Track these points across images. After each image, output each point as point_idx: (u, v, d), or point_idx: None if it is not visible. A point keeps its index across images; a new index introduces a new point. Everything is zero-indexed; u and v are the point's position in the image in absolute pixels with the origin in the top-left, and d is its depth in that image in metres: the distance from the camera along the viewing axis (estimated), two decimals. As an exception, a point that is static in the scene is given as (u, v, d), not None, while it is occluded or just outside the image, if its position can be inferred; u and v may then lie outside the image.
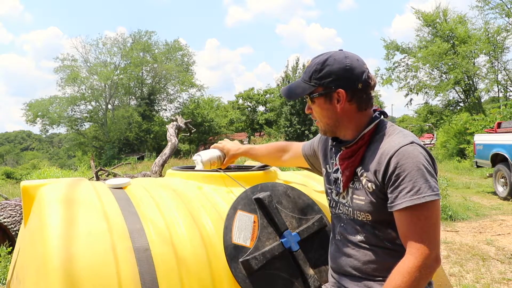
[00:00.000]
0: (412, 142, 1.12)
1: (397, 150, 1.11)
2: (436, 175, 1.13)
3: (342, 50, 1.23)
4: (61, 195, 1.24)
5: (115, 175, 7.77)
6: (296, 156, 1.62)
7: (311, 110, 1.28)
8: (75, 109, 34.65)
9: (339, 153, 1.28)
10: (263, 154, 1.71)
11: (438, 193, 1.08)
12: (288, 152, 1.66)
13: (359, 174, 1.21)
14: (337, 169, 1.29)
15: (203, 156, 1.69)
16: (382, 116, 1.26)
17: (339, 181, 1.27)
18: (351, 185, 1.23)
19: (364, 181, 1.19)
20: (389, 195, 1.12)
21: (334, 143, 1.31)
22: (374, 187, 1.16)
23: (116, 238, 1.13)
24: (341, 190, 1.27)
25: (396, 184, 1.10)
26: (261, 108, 36.85)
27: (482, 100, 21.26)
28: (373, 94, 1.26)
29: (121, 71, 34.47)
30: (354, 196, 1.21)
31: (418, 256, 1.05)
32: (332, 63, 1.18)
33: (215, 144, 1.79)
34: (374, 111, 1.26)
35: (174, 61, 36.44)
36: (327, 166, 1.38)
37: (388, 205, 1.12)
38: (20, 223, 3.88)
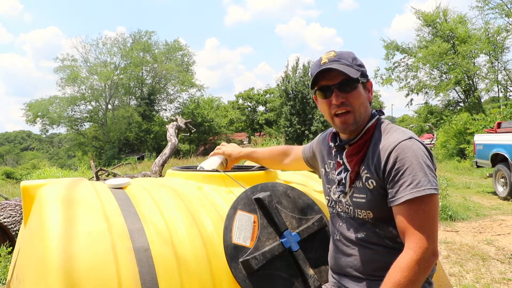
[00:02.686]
0: (410, 138, 1.14)
1: (396, 145, 1.12)
2: (435, 171, 1.13)
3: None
4: (61, 195, 1.24)
5: (115, 175, 7.77)
6: (297, 160, 1.63)
7: (344, 99, 1.20)
8: (75, 109, 34.73)
9: (345, 151, 1.27)
10: (265, 158, 1.72)
11: (437, 187, 1.09)
12: (290, 156, 1.66)
13: (360, 172, 1.21)
14: (341, 171, 1.28)
15: (205, 167, 1.69)
16: (379, 114, 1.29)
17: (344, 181, 1.26)
18: (352, 184, 1.24)
19: (364, 178, 1.19)
20: (389, 190, 1.13)
21: (336, 143, 1.31)
22: (374, 184, 1.16)
23: (116, 238, 1.13)
24: (346, 190, 1.25)
25: (396, 178, 1.10)
26: (261, 108, 36.86)
27: (482, 100, 21.25)
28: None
29: (121, 71, 34.50)
30: (355, 194, 1.22)
31: (416, 250, 1.05)
32: (356, 57, 1.25)
33: (214, 151, 1.79)
34: None
35: (174, 61, 36.48)
36: (325, 166, 1.38)
37: (389, 200, 1.13)
38: (20, 223, 3.88)
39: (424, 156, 1.11)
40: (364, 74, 1.23)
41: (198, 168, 1.72)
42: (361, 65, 1.24)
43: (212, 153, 1.80)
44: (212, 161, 1.73)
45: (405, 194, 1.08)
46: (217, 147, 1.81)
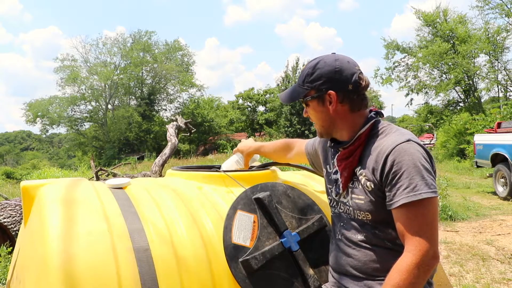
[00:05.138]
0: (408, 140, 1.13)
1: (394, 148, 1.12)
2: (434, 173, 1.13)
3: (334, 53, 1.26)
4: (61, 195, 1.25)
5: (115, 175, 7.77)
6: (299, 154, 1.65)
7: (307, 113, 1.32)
8: (75, 109, 34.71)
9: (337, 154, 1.29)
10: (271, 152, 1.76)
11: (435, 190, 1.08)
12: (293, 150, 1.68)
13: (357, 174, 1.21)
14: (337, 170, 1.30)
15: (223, 168, 1.73)
16: (378, 116, 1.27)
17: (339, 182, 1.28)
18: (350, 185, 1.24)
19: (363, 180, 1.19)
20: (387, 193, 1.13)
21: (332, 144, 1.33)
22: (372, 186, 1.16)
23: (116, 238, 1.13)
24: (340, 191, 1.27)
25: (393, 182, 1.10)
26: (261, 108, 36.81)
27: (482, 100, 21.26)
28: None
29: (121, 71, 34.49)
30: (354, 195, 1.22)
31: (416, 253, 1.05)
32: (322, 66, 1.22)
33: (234, 149, 1.86)
34: (370, 111, 1.27)
35: (174, 61, 36.45)
36: (328, 166, 1.38)
37: (387, 203, 1.13)
38: (20, 223, 3.88)
39: (422, 159, 1.10)
40: (318, 89, 1.22)
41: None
42: (315, 79, 1.21)
43: (234, 150, 1.86)
44: (229, 161, 1.79)
45: (401, 198, 1.08)
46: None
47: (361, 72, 1.23)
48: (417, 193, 1.06)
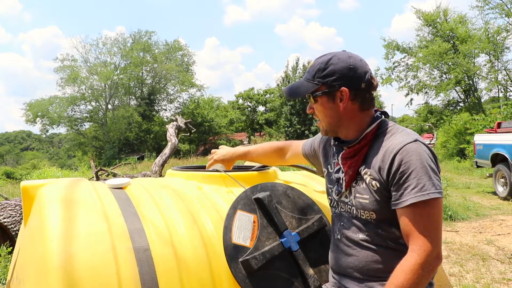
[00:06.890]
0: (416, 140, 1.13)
1: (402, 148, 1.12)
2: (439, 174, 1.13)
3: (345, 51, 1.24)
4: (61, 195, 1.25)
5: (115, 175, 7.77)
6: (296, 156, 1.62)
7: (313, 109, 1.28)
8: (75, 109, 34.71)
9: (341, 153, 1.28)
10: (260, 155, 1.70)
11: (441, 191, 1.09)
12: (288, 152, 1.66)
13: (362, 173, 1.21)
14: (339, 169, 1.29)
15: None
16: (383, 116, 1.27)
17: (341, 181, 1.27)
18: (354, 184, 1.23)
19: (368, 179, 1.19)
20: (393, 193, 1.13)
21: (336, 143, 1.32)
22: (378, 185, 1.16)
23: (116, 238, 1.13)
24: (343, 190, 1.26)
25: (401, 181, 1.10)
26: (261, 108, 36.80)
27: (482, 100, 21.27)
28: (374, 94, 1.27)
29: (121, 71, 34.49)
30: (358, 195, 1.21)
31: (420, 253, 1.05)
32: (336, 62, 1.19)
33: (208, 163, 1.72)
34: (376, 111, 1.27)
35: (174, 61, 36.46)
36: (329, 166, 1.38)
37: (392, 202, 1.13)
38: (20, 223, 3.88)
39: (429, 159, 1.11)
40: (330, 85, 1.19)
41: None
42: (328, 75, 1.19)
43: (207, 165, 1.73)
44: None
45: (409, 198, 1.08)
46: (209, 158, 1.75)
47: (371, 72, 1.22)
48: (425, 193, 1.06)
